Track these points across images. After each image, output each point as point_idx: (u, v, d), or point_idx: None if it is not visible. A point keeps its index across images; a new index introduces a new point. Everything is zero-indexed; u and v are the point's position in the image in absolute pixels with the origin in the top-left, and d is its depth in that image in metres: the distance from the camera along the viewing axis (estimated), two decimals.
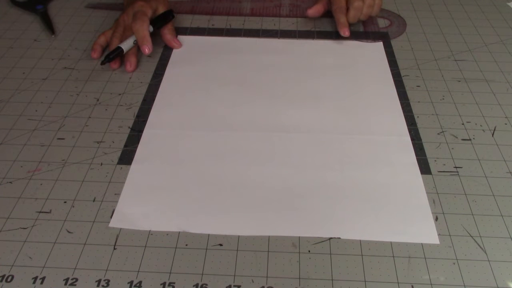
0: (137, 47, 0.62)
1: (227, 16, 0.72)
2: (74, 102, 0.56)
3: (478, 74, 0.60)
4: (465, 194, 0.45)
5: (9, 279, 0.38)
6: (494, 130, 0.52)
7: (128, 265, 0.39)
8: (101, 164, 0.48)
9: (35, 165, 0.48)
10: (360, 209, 0.44)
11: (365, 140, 0.50)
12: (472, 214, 0.44)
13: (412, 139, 0.51)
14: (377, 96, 0.56)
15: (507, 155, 0.49)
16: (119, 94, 0.57)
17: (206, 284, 0.38)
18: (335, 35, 0.67)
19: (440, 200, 0.45)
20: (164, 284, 0.38)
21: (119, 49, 0.59)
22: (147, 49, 0.60)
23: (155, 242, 0.41)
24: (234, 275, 0.39)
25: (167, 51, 0.65)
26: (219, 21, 0.71)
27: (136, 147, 0.50)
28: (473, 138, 0.51)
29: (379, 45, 0.65)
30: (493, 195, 0.45)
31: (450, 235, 0.42)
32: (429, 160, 0.49)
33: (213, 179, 0.46)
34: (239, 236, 0.42)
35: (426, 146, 0.50)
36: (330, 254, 0.40)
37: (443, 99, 0.56)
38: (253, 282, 0.38)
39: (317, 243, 0.41)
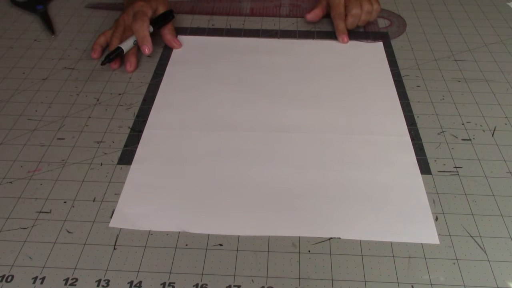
0: (137, 47, 0.62)
1: (227, 16, 0.72)
2: (74, 102, 0.56)
3: (478, 74, 0.60)
4: (465, 194, 0.45)
5: (9, 279, 0.38)
6: (494, 130, 0.52)
7: (128, 265, 0.39)
8: (101, 164, 0.48)
9: (35, 165, 0.48)
10: (360, 209, 0.44)
11: (365, 140, 0.50)
12: (472, 214, 0.44)
13: (412, 139, 0.51)
14: (377, 96, 0.56)
15: (507, 155, 0.49)
16: (119, 94, 0.57)
17: (206, 284, 0.38)
18: (335, 35, 0.67)
19: (440, 200, 0.45)
20: (164, 284, 0.38)
21: (119, 49, 0.59)
22: (147, 49, 0.60)
23: (155, 242, 0.41)
24: (234, 275, 0.39)
25: (167, 51, 0.65)
26: (219, 21, 0.71)
27: (136, 147, 0.50)
28: (473, 138, 0.51)
29: (379, 45, 0.65)
30: (493, 195, 0.45)
31: (450, 235, 0.42)
32: (429, 160, 0.49)
33: (213, 179, 0.46)
34: (239, 236, 0.42)
35: (426, 146, 0.50)
36: (330, 254, 0.40)
37: (443, 99, 0.56)
38: (253, 282, 0.38)
39: (317, 243, 0.41)
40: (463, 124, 0.53)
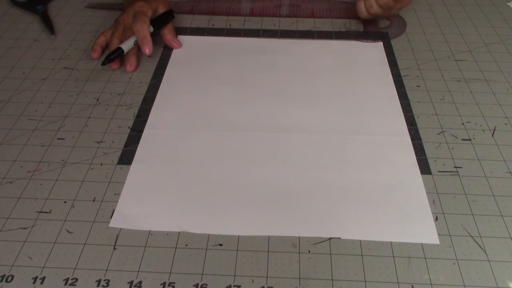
0: (137, 47, 0.62)
1: (227, 16, 0.72)
2: (74, 102, 0.56)
3: (478, 74, 0.60)
4: (465, 194, 0.45)
5: (9, 279, 0.38)
6: (494, 130, 0.52)
7: (128, 265, 0.39)
8: (101, 164, 0.48)
9: (35, 165, 0.48)
10: (360, 209, 0.44)
11: (365, 140, 0.50)
12: (472, 214, 0.44)
13: (412, 139, 0.51)
14: (377, 96, 0.56)
15: (507, 155, 0.49)
16: (119, 94, 0.57)
17: (206, 284, 0.38)
18: (335, 35, 0.67)
19: (440, 200, 0.45)
20: (164, 284, 0.38)
21: (119, 49, 0.59)
22: (147, 50, 0.60)
23: (155, 242, 0.41)
24: (234, 275, 0.39)
25: (167, 51, 0.65)
26: (219, 21, 0.71)
27: (136, 147, 0.50)
28: (473, 138, 0.51)
29: (379, 45, 0.65)
30: (493, 195, 0.45)
31: (450, 235, 0.42)
32: (429, 160, 0.49)
33: (213, 179, 0.46)
34: (239, 236, 0.42)
35: (426, 146, 0.50)
36: (330, 254, 0.40)
37: (443, 99, 0.56)
38: (253, 282, 0.38)
39: (317, 243, 0.41)
40: (463, 124, 0.53)
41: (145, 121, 0.53)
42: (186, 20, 0.71)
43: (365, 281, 0.38)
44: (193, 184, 0.46)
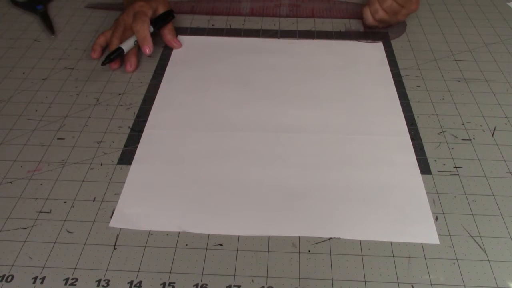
0: (137, 47, 0.62)
1: (227, 16, 0.72)
2: (74, 102, 0.56)
3: (478, 74, 0.60)
4: (465, 194, 0.45)
5: (9, 279, 0.38)
6: (494, 130, 0.52)
7: (128, 265, 0.39)
8: (101, 164, 0.48)
9: (35, 165, 0.48)
10: (360, 209, 0.44)
11: (365, 140, 0.50)
12: (472, 214, 0.44)
13: (412, 139, 0.51)
14: (377, 96, 0.56)
15: (507, 155, 0.49)
16: (119, 94, 0.57)
17: (206, 284, 0.38)
18: (335, 35, 0.67)
19: (440, 200, 0.45)
20: (164, 284, 0.38)
21: (119, 49, 0.59)
22: (148, 50, 0.60)
23: (155, 242, 0.41)
24: (234, 275, 0.39)
25: (167, 51, 0.65)
26: (219, 21, 0.71)
27: (136, 147, 0.50)
28: (473, 138, 0.51)
29: (379, 45, 0.65)
30: (493, 195, 0.45)
31: (450, 235, 0.42)
32: (429, 160, 0.49)
33: (213, 179, 0.46)
34: (239, 236, 0.42)
35: (426, 146, 0.50)
36: (330, 254, 0.40)
37: (443, 99, 0.56)
38: (253, 282, 0.38)
39: (317, 243, 0.41)
40: (463, 124, 0.53)
41: (145, 121, 0.53)
42: (186, 20, 0.71)
43: (365, 281, 0.38)
44: (193, 184, 0.46)
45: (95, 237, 0.41)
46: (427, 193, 0.45)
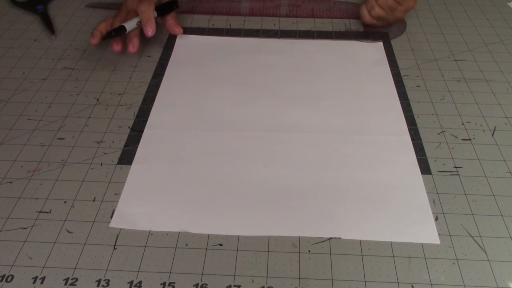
0: (140, 29, 0.61)
1: (227, 16, 0.72)
2: (74, 102, 0.56)
3: (478, 74, 0.60)
4: (465, 194, 0.45)
5: (9, 279, 0.38)
6: (494, 130, 0.52)
7: (128, 265, 0.39)
8: (101, 164, 0.48)
9: (35, 165, 0.48)
10: (360, 209, 0.44)
11: (365, 140, 0.50)
12: (472, 214, 0.44)
13: (412, 139, 0.51)
14: (377, 96, 0.56)
15: (507, 155, 0.49)
16: (119, 94, 0.57)
17: (206, 284, 0.38)
18: (335, 35, 0.67)
19: (440, 200, 0.45)
20: (164, 284, 0.38)
21: (121, 27, 0.58)
22: (150, 30, 0.59)
23: (155, 242, 0.41)
24: (234, 275, 0.39)
25: (167, 51, 0.65)
26: (219, 21, 0.71)
27: (136, 147, 0.50)
28: (473, 138, 0.51)
29: (379, 45, 0.65)
30: (493, 195, 0.45)
31: (450, 235, 0.42)
32: (429, 160, 0.49)
33: (213, 179, 0.46)
34: (239, 236, 0.42)
35: (426, 146, 0.50)
36: (330, 254, 0.40)
37: (443, 99, 0.56)
38: (253, 282, 0.38)
39: (317, 243, 0.41)
40: (463, 124, 0.53)
41: (145, 121, 0.53)
42: (186, 20, 0.71)
43: (365, 281, 0.38)
44: (193, 184, 0.46)
45: (95, 237, 0.41)
46: (427, 193, 0.45)
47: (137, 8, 0.60)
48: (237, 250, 0.41)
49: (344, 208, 0.44)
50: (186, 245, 0.41)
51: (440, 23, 0.71)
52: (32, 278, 0.38)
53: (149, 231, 0.42)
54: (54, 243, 0.41)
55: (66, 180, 0.47)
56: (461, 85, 0.59)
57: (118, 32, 0.58)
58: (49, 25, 0.69)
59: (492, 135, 0.52)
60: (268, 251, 0.41)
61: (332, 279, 0.39)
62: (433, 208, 0.44)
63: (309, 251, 0.41)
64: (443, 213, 0.44)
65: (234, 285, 0.38)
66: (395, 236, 0.42)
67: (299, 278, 0.39)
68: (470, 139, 0.51)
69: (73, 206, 0.44)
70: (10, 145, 0.50)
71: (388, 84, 0.58)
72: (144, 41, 0.63)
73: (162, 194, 0.45)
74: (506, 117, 0.54)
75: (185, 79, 0.59)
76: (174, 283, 0.38)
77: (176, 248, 0.41)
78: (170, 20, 0.65)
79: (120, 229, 0.42)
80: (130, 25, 0.59)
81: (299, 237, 0.42)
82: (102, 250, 0.41)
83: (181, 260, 0.40)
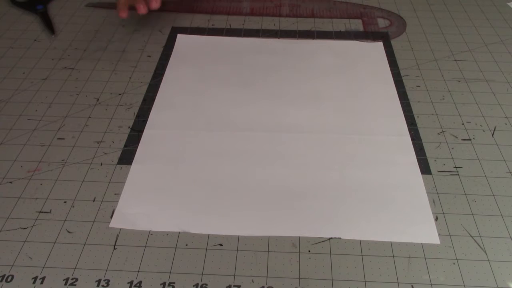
0: None
1: (227, 16, 0.72)
2: (74, 102, 0.56)
3: (478, 74, 0.60)
4: (465, 194, 0.45)
5: (9, 279, 0.38)
6: (494, 130, 0.52)
7: (128, 265, 0.39)
8: (101, 164, 0.48)
9: (35, 165, 0.48)
10: (360, 209, 0.44)
11: (365, 140, 0.50)
12: (472, 214, 0.44)
13: (412, 139, 0.51)
14: (377, 96, 0.56)
15: (507, 155, 0.49)
16: (119, 94, 0.57)
17: (206, 284, 0.38)
18: (335, 35, 0.67)
19: (440, 200, 0.45)
20: (164, 284, 0.38)
21: None
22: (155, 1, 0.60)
23: (155, 242, 0.41)
24: (234, 275, 0.39)
25: (167, 51, 0.65)
26: (219, 21, 0.71)
27: (136, 147, 0.50)
28: (473, 138, 0.51)
29: (379, 45, 0.65)
30: (493, 195, 0.45)
31: (450, 235, 0.42)
32: (429, 160, 0.49)
33: (213, 179, 0.46)
34: (239, 236, 0.42)
35: (426, 146, 0.50)
36: (330, 254, 0.40)
37: (443, 99, 0.56)
38: (253, 282, 0.38)
39: (317, 243, 0.41)
40: (463, 124, 0.53)
41: (145, 121, 0.53)
42: (186, 20, 0.71)
43: (365, 281, 0.38)
44: (193, 184, 0.46)
45: (95, 237, 0.42)
46: (427, 193, 0.45)
47: None
48: (237, 250, 0.41)
49: (344, 208, 0.44)
50: (186, 245, 0.41)
51: (440, 23, 0.71)
52: (32, 278, 0.38)
53: (149, 231, 0.42)
54: (54, 243, 0.41)
55: (66, 180, 0.47)
56: (461, 85, 0.59)
57: None
58: (49, 25, 0.69)
59: (492, 135, 0.52)
60: (268, 251, 0.41)
61: (332, 279, 0.39)
62: (433, 208, 0.44)
63: (309, 251, 0.41)
64: (443, 213, 0.44)
65: (234, 285, 0.38)
66: (395, 236, 0.42)
67: (299, 278, 0.39)
68: (470, 139, 0.51)
69: (73, 206, 0.44)
70: (10, 145, 0.50)
71: (388, 84, 0.58)
72: (145, 41, 0.63)
73: (162, 194, 0.45)
74: (506, 117, 0.54)
75: (185, 79, 0.59)
76: (174, 283, 0.38)
77: (176, 248, 0.41)
78: None
79: (120, 229, 0.42)
80: None
81: (299, 237, 0.42)
82: (102, 250, 0.41)
83: (181, 260, 0.40)
